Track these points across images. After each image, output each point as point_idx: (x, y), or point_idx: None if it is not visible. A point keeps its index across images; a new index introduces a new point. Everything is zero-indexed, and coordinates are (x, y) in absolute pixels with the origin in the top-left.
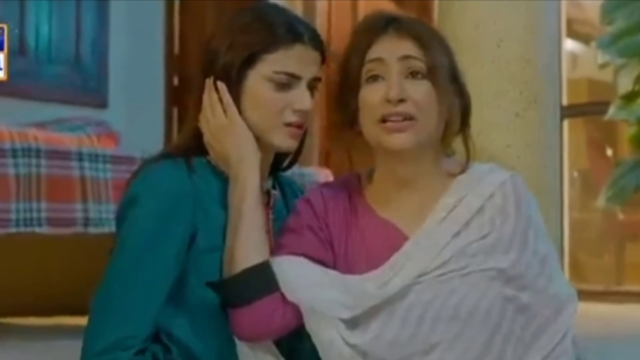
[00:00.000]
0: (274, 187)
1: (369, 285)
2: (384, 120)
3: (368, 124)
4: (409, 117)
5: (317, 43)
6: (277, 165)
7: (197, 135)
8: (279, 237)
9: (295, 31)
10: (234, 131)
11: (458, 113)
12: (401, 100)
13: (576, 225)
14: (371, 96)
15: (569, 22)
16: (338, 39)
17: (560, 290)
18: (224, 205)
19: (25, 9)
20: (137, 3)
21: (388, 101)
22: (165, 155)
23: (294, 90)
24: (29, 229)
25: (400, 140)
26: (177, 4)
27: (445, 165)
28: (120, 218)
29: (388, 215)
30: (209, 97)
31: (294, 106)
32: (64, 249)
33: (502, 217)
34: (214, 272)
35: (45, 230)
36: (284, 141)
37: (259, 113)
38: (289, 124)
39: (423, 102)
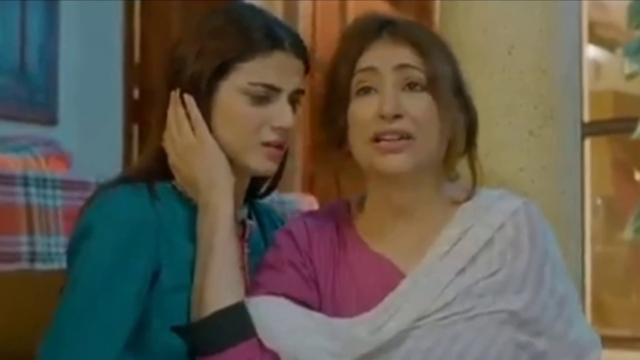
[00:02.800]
0: (249, 217)
1: (360, 330)
2: (377, 139)
3: (359, 144)
4: (405, 136)
5: (300, 50)
6: (253, 191)
7: (161, 156)
8: (256, 275)
9: (274, 36)
10: (204, 152)
11: (463, 131)
12: (397, 116)
13: (600, 261)
14: (362, 111)
15: (591, 26)
16: (324, 45)
17: (582, 336)
18: (192, 237)
19: None
20: (91, 3)
21: (382, 117)
22: (123, 180)
23: (273, 104)
24: None
25: (395, 162)
26: (137, 4)
27: (448, 191)
28: (72, 252)
29: (382, 249)
30: (175, 113)
31: (273, 123)
32: (6, 288)
33: (514, 251)
34: (180, 314)
35: None
36: (262, 163)
37: (232, 131)
38: (267, 144)
39: (422, 118)
